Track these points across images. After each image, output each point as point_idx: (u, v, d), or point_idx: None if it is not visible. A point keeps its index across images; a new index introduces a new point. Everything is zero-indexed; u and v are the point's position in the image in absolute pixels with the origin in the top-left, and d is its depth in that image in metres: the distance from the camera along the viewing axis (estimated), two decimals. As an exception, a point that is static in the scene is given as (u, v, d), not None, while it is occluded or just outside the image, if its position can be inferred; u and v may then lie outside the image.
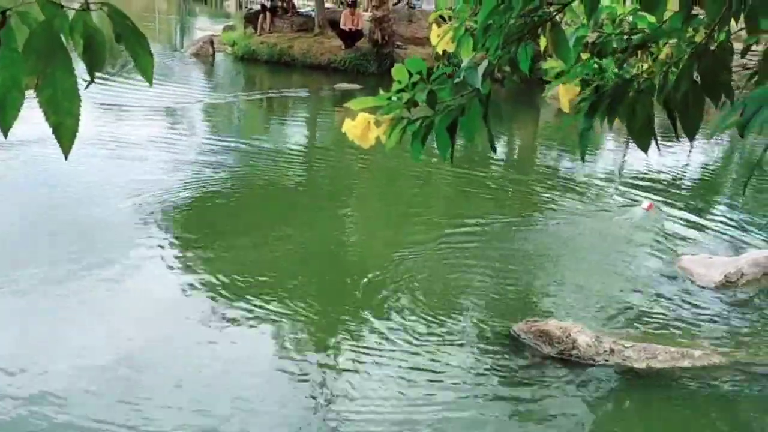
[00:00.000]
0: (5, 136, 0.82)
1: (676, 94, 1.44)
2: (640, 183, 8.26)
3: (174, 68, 16.09)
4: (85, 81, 0.88)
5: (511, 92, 14.30)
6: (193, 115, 10.97)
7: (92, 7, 0.81)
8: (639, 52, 1.64)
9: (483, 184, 8.03)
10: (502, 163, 9.44)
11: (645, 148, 1.54)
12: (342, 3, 21.38)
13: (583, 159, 1.64)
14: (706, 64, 1.41)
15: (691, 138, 1.49)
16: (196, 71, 16.13)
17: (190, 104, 11.36)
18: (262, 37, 17.76)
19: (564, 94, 1.74)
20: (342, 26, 16.58)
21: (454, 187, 8.04)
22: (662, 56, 1.59)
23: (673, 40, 1.59)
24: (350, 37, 16.50)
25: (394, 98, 1.80)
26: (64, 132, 0.82)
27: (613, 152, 10.37)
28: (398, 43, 16.58)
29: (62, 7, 0.79)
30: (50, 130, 0.81)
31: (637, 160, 9.71)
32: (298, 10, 19.60)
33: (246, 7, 27.39)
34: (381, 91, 1.81)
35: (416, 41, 16.59)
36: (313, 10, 18.84)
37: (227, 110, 11.66)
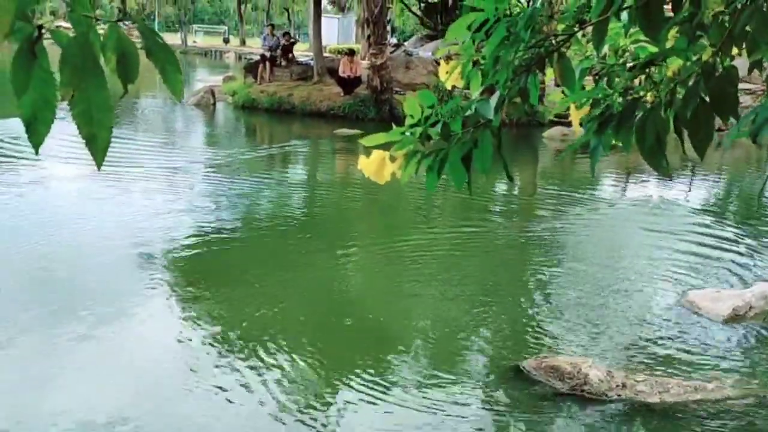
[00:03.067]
0: (36, 152, 0.84)
1: (685, 112, 1.46)
2: (643, 215, 8.29)
3: (176, 118, 16.29)
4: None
5: (512, 136, 14.49)
6: (196, 167, 11.02)
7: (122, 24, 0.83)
8: (646, 70, 1.68)
9: (486, 224, 8.06)
10: (505, 198, 9.49)
11: (657, 167, 1.56)
12: (340, 52, 21.75)
13: (593, 174, 1.67)
14: (713, 82, 1.44)
15: (702, 155, 1.51)
16: (197, 121, 16.32)
17: (194, 163, 11.36)
18: (262, 86, 18.04)
19: (575, 114, 1.77)
20: (341, 74, 16.85)
21: (457, 221, 8.06)
22: (669, 73, 1.63)
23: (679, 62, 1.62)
24: (349, 84, 16.76)
25: (407, 133, 1.83)
26: (98, 144, 0.84)
27: (615, 186, 10.43)
28: (396, 89, 16.83)
29: (96, 20, 0.81)
30: (81, 147, 0.83)
31: (640, 190, 9.79)
32: (297, 59, 19.92)
33: (245, 58, 27.84)
34: (394, 126, 1.83)
35: (414, 87, 16.81)
36: (312, 59, 19.15)
37: (229, 162, 11.73)
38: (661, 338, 5.00)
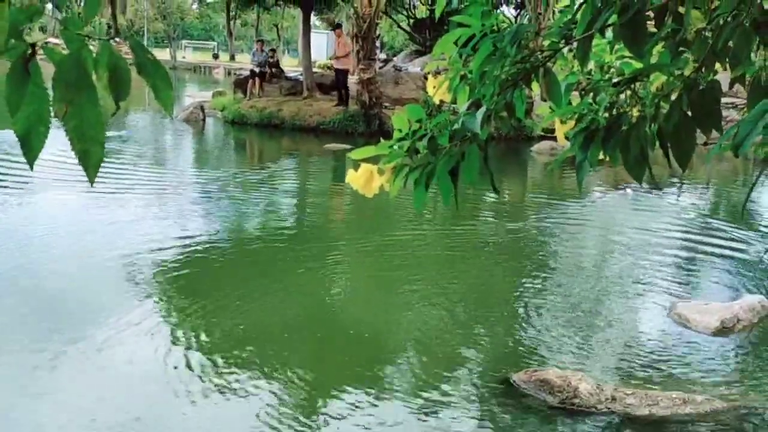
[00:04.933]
0: (31, 168, 0.85)
1: (668, 125, 1.49)
2: (631, 228, 8.34)
3: (166, 133, 16.29)
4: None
5: (500, 150, 14.56)
6: (184, 182, 11.01)
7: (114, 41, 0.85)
8: (631, 85, 1.70)
9: (475, 234, 8.08)
10: (494, 212, 9.51)
11: (639, 178, 1.59)
12: (329, 68, 21.84)
13: (580, 189, 1.69)
14: (696, 97, 1.47)
15: (684, 166, 1.54)
16: (187, 137, 16.32)
17: (183, 178, 11.36)
18: (251, 101, 18.06)
19: (559, 128, 1.79)
20: (335, 63, 17.16)
21: (446, 235, 8.07)
22: (653, 88, 1.66)
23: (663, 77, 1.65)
24: (340, 74, 16.96)
25: (395, 146, 1.84)
26: (90, 159, 0.85)
27: (603, 199, 10.49)
28: (385, 104, 16.91)
29: (88, 38, 0.82)
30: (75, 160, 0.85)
31: (628, 203, 9.84)
32: (287, 74, 19.99)
33: (235, 74, 27.90)
34: (382, 140, 1.85)
35: (403, 102, 16.91)
36: (301, 74, 19.22)
37: (218, 177, 11.73)
38: (650, 351, 5.02)
